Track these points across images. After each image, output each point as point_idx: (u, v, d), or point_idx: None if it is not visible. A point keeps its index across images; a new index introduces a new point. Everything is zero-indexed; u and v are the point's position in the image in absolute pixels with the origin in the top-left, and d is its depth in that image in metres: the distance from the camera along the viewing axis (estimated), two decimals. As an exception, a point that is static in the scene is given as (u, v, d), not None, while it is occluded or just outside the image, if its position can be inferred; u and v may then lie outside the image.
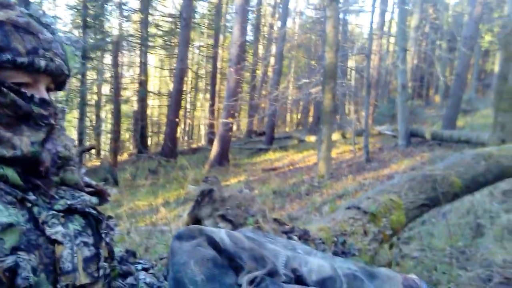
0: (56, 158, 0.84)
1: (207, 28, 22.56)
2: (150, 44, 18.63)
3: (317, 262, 0.94)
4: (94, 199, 0.88)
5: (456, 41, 15.35)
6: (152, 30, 19.20)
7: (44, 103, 0.83)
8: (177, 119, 14.43)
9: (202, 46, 23.10)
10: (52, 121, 0.83)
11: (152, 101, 22.83)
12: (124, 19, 17.15)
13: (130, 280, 0.97)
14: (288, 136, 18.38)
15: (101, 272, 0.80)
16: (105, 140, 21.23)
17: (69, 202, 0.80)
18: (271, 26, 21.33)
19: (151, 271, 1.06)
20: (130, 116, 21.48)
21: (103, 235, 0.86)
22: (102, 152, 20.11)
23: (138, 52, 18.43)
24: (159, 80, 24.93)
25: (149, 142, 20.20)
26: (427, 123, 13.43)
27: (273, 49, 17.74)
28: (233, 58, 11.88)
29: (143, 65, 17.39)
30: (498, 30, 16.26)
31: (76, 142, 1.05)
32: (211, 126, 16.80)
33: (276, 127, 20.39)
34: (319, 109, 11.06)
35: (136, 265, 1.07)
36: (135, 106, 18.76)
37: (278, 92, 11.17)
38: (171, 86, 18.42)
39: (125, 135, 23.24)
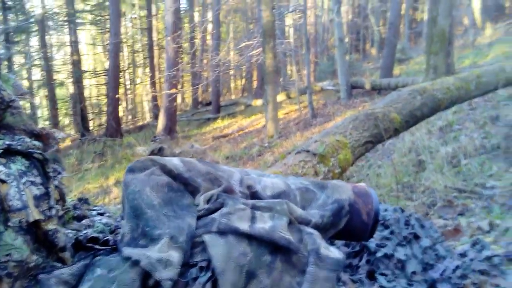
0: None
1: (138, -1, 21.59)
2: (79, 20, 17.56)
3: (271, 180, 0.97)
4: (37, 143, 0.85)
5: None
6: (79, 5, 18.06)
7: None
8: (117, 96, 13.91)
9: (135, 18, 22.13)
10: None
11: (89, 81, 21.76)
12: (46, -4, 15.99)
13: (85, 222, 0.95)
14: (234, 103, 18.33)
15: (53, 211, 0.78)
16: (44, 128, 20.06)
17: (7, 143, 0.77)
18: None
19: (107, 214, 1.05)
20: (67, 100, 20.37)
21: (51, 176, 0.83)
22: (42, 140, 19.06)
23: (67, 30, 17.32)
24: (93, 59, 23.71)
25: (91, 125, 19.37)
26: (366, 75, 13.87)
27: (209, 14, 17.34)
28: (169, 26, 11.52)
29: (74, 44, 16.43)
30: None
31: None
32: (154, 99, 16.36)
33: (221, 95, 20.20)
34: (262, 71, 11.08)
35: (91, 212, 1.06)
36: (71, 88, 17.79)
37: (220, 57, 11.03)
38: (107, 64, 17.60)
39: (64, 120, 22.09)
